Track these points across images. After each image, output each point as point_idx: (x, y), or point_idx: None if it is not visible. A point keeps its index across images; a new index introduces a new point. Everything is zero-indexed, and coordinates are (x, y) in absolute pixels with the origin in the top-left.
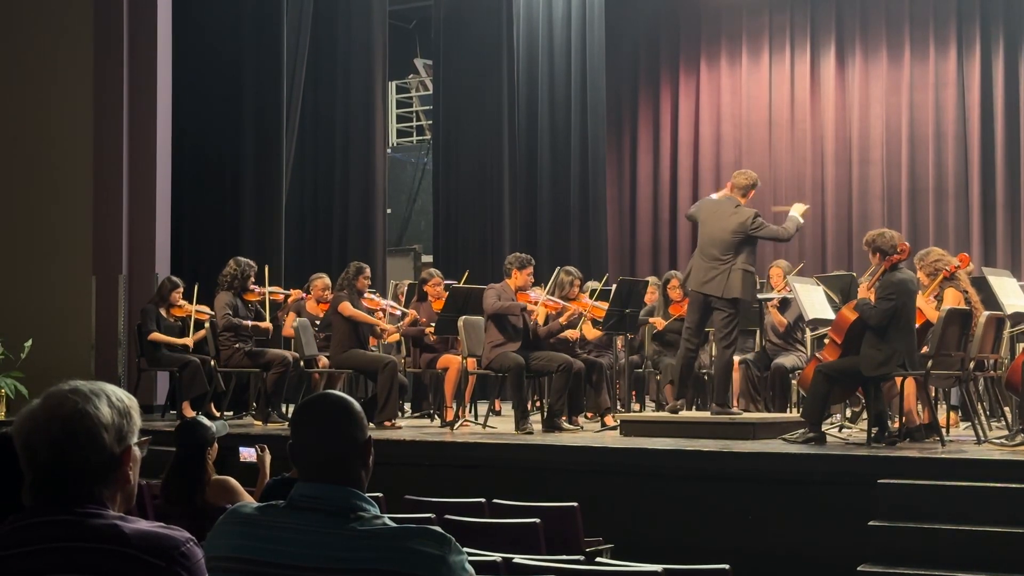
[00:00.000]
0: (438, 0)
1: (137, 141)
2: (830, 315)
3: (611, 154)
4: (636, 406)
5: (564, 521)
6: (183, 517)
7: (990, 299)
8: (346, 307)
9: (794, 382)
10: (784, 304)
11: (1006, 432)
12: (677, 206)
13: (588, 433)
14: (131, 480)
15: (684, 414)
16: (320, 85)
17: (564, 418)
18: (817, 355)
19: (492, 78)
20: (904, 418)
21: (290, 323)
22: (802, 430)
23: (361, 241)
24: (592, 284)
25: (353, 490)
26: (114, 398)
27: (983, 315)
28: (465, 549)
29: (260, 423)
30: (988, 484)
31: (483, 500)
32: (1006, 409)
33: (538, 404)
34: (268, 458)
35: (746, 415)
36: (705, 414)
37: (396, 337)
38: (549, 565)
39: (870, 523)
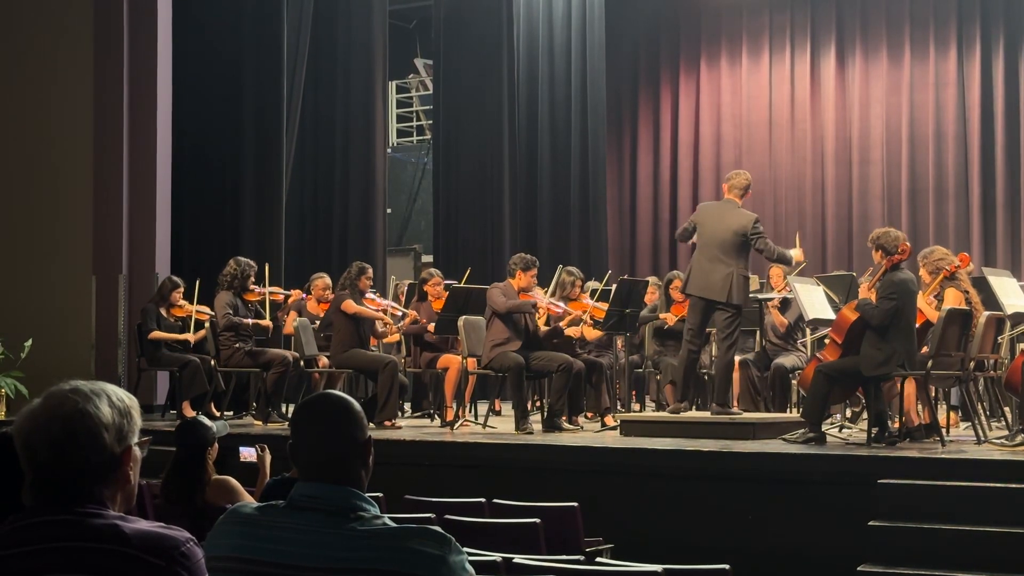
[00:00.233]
0: (438, 0)
1: (137, 141)
2: (830, 315)
3: (611, 154)
4: (636, 406)
5: (564, 521)
6: (183, 517)
7: (990, 299)
8: (350, 305)
9: (794, 382)
10: (784, 304)
11: (1006, 432)
12: (677, 206)
13: (588, 433)
14: (131, 480)
15: (684, 414)
16: (320, 85)
17: (564, 418)
18: (817, 355)
19: (492, 78)
20: (904, 418)
21: (291, 322)
22: (802, 430)
23: (361, 241)
24: (592, 284)
25: (353, 490)
26: (115, 398)
27: (983, 315)
28: (465, 549)
29: (260, 423)
30: (988, 484)
31: (483, 500)
32: (1006, 409)
33: (538, 404)
34: (268, 458)
35: (746, 415)
36: (705, 414)
37: (396, 337)
38: (549, 565)
39: (870, 523)
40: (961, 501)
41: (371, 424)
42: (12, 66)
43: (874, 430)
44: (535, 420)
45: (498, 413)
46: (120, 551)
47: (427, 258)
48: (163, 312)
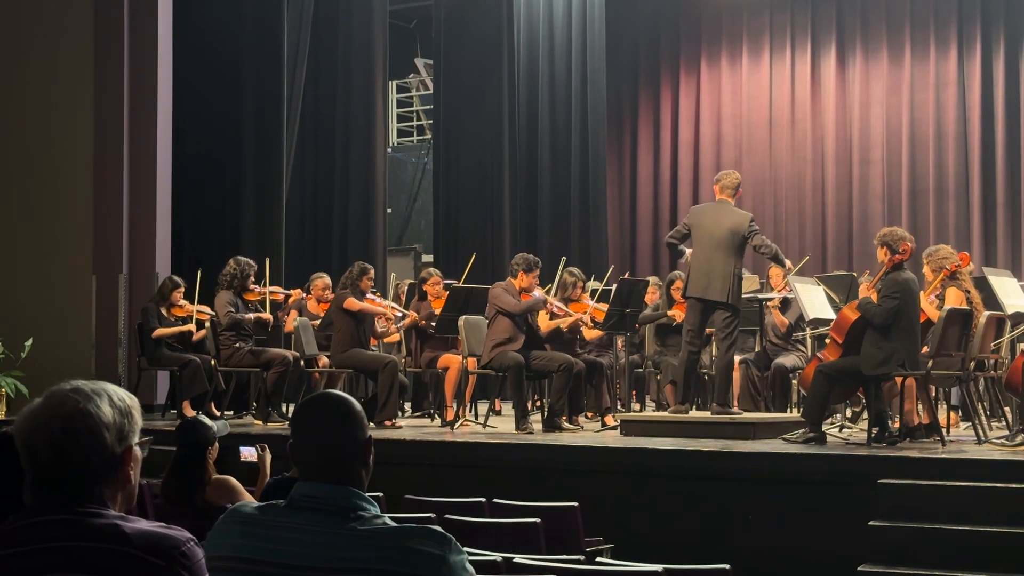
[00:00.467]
0: (438, 0)
1: (137, 141)
2: (830, 315)
3: (611, 154)
4: (636, 406)
5: (564, 521)
6: (183, 516)
7: (990, 299)
8: (352, 302)
9: (794, 382)
10: (785, 304)
11: (1006, 432)
12: (677, 206)
13: (588, 433)
14: (132, 480)
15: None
16: (320, 84)
17: (564, 418)
18: (818, 355)
19: (492, 78)
20: (903, 418)
21: (291, 321)
22: (802, 430)
23: (361, 241)
24: (593, 284)
25: (353, 489)
26: (115, 398)
27: (983, 315)
28: (465, 549)
29: (260, 422)
30: (988, 484)
31: (483, 500)
32: (1006, 409)
33: (538, 404)
34: (268, 457)
35: (746, 415)
36: (705, 414)
37: (397, 337)
38: (549, 565)
39: (870, 523)
40: (961, 501)
41: (371, 424)
42: (12, 66)
43: (874, 430)
44: (535, 420)
45: (498, 413)
46: (120, 551)
47: (427, 258)
48: (163, 312)
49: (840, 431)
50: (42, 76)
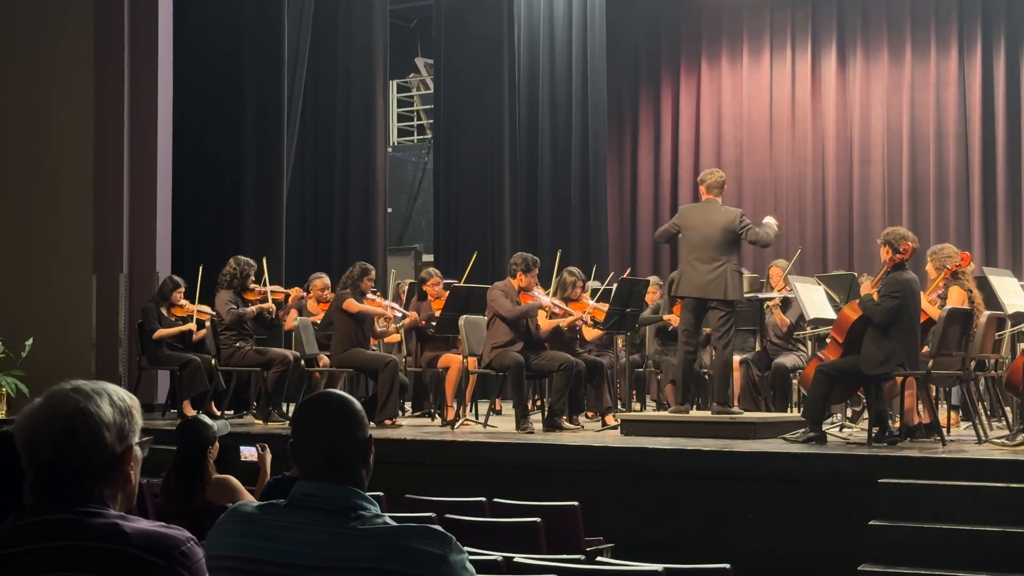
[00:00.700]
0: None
1: (138, 140)
2: (831, 314)
3: (612, 153)
4: (637, 405)
5: (565, 520)
6: (183, 516)
7: (991, 299)
8: (352, 304)
9: (795, 382)
10: (785, 304)
11: (1007, 432)
12: (678, 206)
13: (589, 432)
14: (132, 480)
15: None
16: (321, 84)
17: (565, 417)
18: (818, 354)
19: (493, 77)
20: (904, 417)
21: (291, 320)
22: (803, 430)
23: (362, 240)
24: (593, 284)
25: (354, 489)
26: (116, 397)
27: (984, 315)
28: (466, 548)
29: (261, 422)
30: (988, 484)
31: (484, 499)
32: (1007, 409)
33: (539, 403)
34: (269, 457)
35: (747, 415)
36: (706, 414)
37: (397, 338)
38: (550, 564)
39: (870, 523)
40: (961, 501)
41: (372, 423)
42: (12, 66)
43: (875, 430)
44: (536, 419)
45: (499, 412)
46: (121, 550)
47: (428, 257)
48: (164, 312)
49: (840, 431)
50: (42, 76)
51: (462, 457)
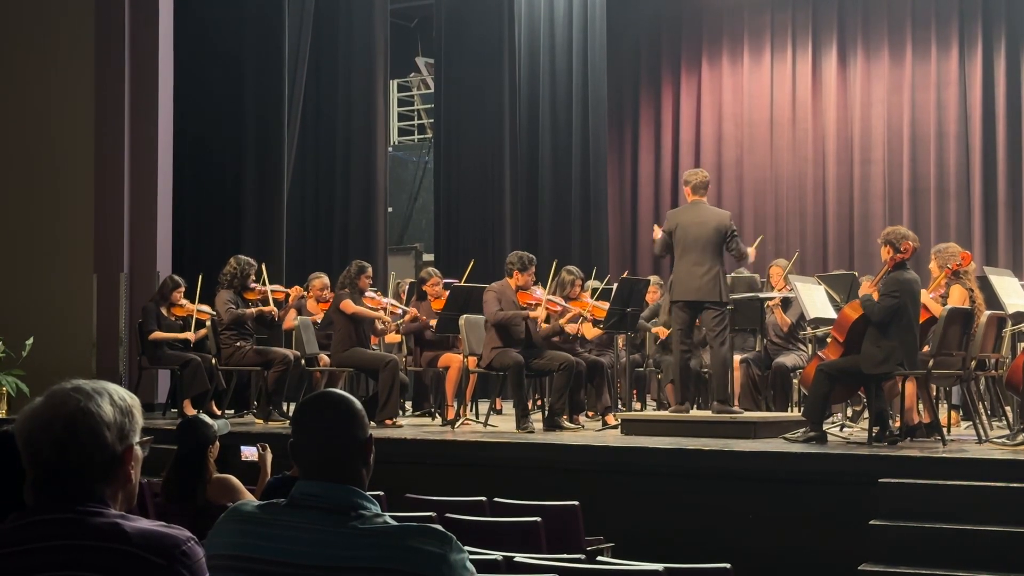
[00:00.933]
0: None
1: (138, 139)
2: (832, 314)
3: (612, 153)
4: (637, 405)
5: (565, 520)
6: (184, 515)
7: (991, 298)
8: (348, 305)
9: (795, 381)
10: (786, 303)
11: (1007, 431)
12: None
13: (589, 432)
14: (132, 479)
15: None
16: (321, 83)
17: (565, 417)
18: (819, 354)
19: (493, 77)
20: (904, 417)
21: (291, 319)
22: (803, 429)
23: (362, 240)
24: (593, 283)
25: (354, 488)
26: (116, 397)
27: (984, 314)
28: (466, 548)
29: (261, 421)
30: (989, 484)
31: (484, 499)
32: (1007, 408)
33: (539, 403)
34: (269, 456)
35: (747, 414)
36: (706, 413)
37: (398, 338)
38: (550, 564)
39: (870, 523)
40: (962, 501)
41: (372, 423)
42: (12, 66)
43: (875, 429)
44: (536, 419)
45: (499, 412)
46: (121, 550)
47: (428, 257)
48: (164, 311)
49: (841, 430)
50: (42, 75)
51: (462, 457)
